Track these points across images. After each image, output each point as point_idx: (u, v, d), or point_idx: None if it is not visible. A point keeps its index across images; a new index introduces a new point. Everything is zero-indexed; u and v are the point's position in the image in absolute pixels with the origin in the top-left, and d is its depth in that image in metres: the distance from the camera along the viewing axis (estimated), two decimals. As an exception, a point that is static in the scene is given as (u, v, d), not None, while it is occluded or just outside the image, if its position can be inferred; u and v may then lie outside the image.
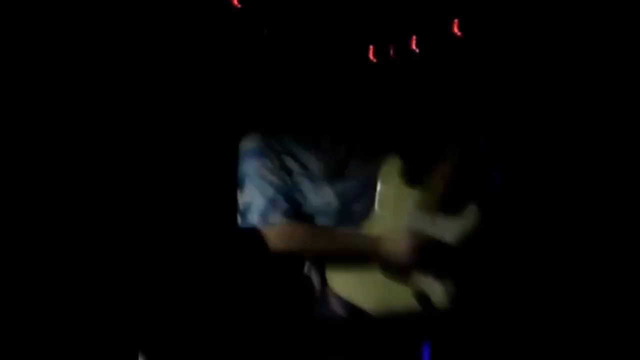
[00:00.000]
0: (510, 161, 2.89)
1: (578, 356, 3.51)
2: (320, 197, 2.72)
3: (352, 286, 2.66)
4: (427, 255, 2.63)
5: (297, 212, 2.72)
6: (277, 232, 2.71)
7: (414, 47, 3.28)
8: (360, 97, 2.83)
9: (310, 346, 2.64)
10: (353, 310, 2.63)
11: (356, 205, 2.71)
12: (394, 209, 2.69)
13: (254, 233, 2.75)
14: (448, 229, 2.66)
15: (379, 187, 2.71)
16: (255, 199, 2.73)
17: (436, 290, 2.60)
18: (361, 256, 2.66)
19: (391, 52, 3.01)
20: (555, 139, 3.53)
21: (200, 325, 3.40)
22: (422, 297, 2.60)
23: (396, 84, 2.90)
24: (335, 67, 2.79)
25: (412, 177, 2.71)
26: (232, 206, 2.82)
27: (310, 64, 2.77)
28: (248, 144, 2.78)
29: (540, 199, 3.54)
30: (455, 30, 3.35)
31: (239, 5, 3.33)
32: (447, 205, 2.69)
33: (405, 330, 2.62)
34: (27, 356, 3.33)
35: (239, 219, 2.78)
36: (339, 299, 2.66)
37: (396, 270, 2.64)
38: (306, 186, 2.74)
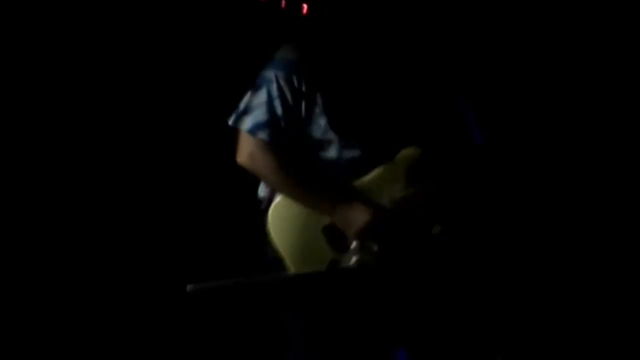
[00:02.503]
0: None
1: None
2: (325, 137, 2.65)
3: (283, 234, 2.64)
4: (372, 239, 2.62)
5: (289, 140, 2.64)
6: (251, 148, 2.63)
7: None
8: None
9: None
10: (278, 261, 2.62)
11: (352, 163, 2.66)
12: (381, 189, 2.66)
13: (234, 135, 2.67)
14: (410, 230, 2.67)
15: (385, 165, 2.66)
16: (260, 108, 2.63)
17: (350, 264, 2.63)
18: (315, 209, 2.63)
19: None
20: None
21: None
22: (334, 265, 2.62)
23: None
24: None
25: (415, 176, 2.68)
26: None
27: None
28: (286, 54, 2.66)
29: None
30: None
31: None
32: (422, 214, 2.68)
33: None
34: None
35: (233, 117, 2.68)
36: (272, 247, 2.65)
37: (336, 233, 2.63)
38: (315, 126, 2.64)
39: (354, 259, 2.62)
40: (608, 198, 3.57)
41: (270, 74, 2.64)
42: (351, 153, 2.67)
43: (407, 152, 2.67)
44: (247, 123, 2.64)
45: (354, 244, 2.63)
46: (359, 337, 2.65)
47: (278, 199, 2.67)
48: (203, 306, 2.29)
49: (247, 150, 2.65)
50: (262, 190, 2.75)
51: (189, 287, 2.28)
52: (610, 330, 3.52)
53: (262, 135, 2.62)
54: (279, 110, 2.62)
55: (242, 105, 2.68)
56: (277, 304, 2.65)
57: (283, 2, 3.40)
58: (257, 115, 2.63)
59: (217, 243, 3.50)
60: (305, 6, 3.26)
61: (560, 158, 3.55)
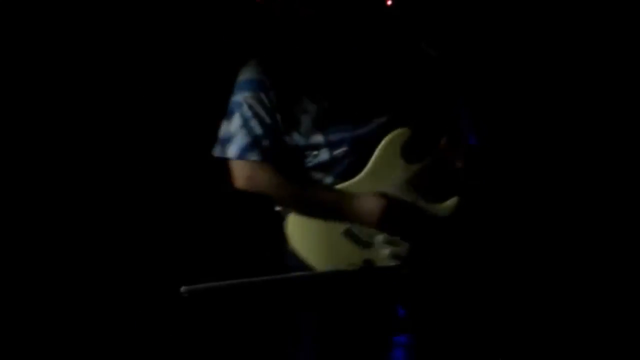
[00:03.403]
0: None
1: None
2: (310, 143, 2.66)
3: (306, 244, 2.65)
4: (394, 225, 2.63)
5: (278, 155, 2.65)
6: (247, 172, 2.64)
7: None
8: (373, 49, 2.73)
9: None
10: (304, 269, 2.61)
11: (345, 160, 2.67)
12: (383, 177, 2.66)
13: (225, 165, 2.68)
14: (425, 211, 2.67)
15: (377, 152, 2.66)
16: (240, 133, 2.65)
17: (384, 260, 2.63)
18: (328, 211, 2.64)
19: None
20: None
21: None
22: (369, 265, 2.61)
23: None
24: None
25: (413, 154, 2.67)
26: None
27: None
28: (248, 75, 2.69)
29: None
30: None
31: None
32: (432, 192, 2.68)
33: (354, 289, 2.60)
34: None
35: (217, 148, 2.71)
36: (293, 254, 2.65)
37: (358, 231, 2.63)
38: (298, 130, 2.66)
39: (386, 252, 2.62)
40: (604, 199, 3.56)
41: (238, 97, 2.68)
42: (341, 150, 2.67)
43: (394, 134, 2.67)
44: (233, 150, 2.67)
45: (378, 237, 2.62)
46: (366, 333, 2.66)
47: (292, 213, 2.68)
48: (197, 307, 2.28)
49: (243, 175, 2.67)
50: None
51: (183, 289, 2.27)
52: (610, 330, 3.51)
53: (252, 156, 2.65)
54: (257, 130, 2.65)
55: (221, 135, 2.71)
56: (272, 305, 2.65)
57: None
58: (239, 140, 2.66)
59: (226, 245, 3.48)
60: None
61: (556, 158, 3.55)
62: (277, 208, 2.73)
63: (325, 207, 2.65)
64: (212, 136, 2.81)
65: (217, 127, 2.80)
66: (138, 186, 3.45)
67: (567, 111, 3.54)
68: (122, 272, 3.40)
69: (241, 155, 2.65)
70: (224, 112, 2.77)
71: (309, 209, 2.66)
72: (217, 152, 2.71)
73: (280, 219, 2.72)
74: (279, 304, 2.66)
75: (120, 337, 3.38)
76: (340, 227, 2.65)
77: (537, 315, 3.52)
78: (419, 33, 2.81)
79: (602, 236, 3.57)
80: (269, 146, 2.65)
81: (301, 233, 2.66)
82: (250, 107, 2.65)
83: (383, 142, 2.67)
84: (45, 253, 3.38)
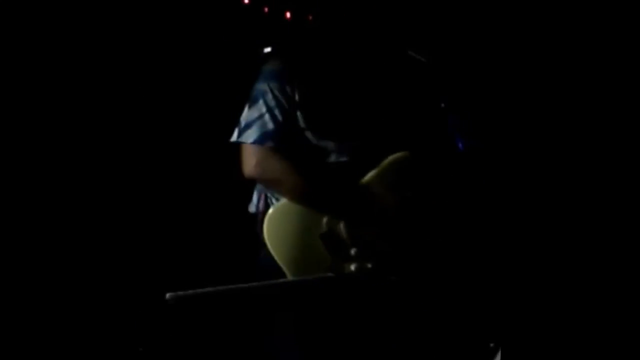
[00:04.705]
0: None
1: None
2: (319, 144, 2.67)
3: (281, 241, 2.63)
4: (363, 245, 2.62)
5: (292, 146, 2.65)
6: (260, 158, 2.64)
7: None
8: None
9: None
10: (276, 271, 2.61)
11: (345, 168, 2.67)
12: (374, 194, 2.66)
13: (239, 149, 2.69)
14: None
15: (376, 169, 2.68)
16: (261, 119, 2.65)
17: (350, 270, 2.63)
18: (329, 201, 2.64)
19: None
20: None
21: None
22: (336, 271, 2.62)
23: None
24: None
25: (400, 183, 2.69)
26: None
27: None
28: (275, 65, 2.70)
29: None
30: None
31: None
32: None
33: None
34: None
35: (234, 133, 2.70)
36: (266, 256, 2.64)
37: (339, 237, 2.63)
38: (310, 133, 2.67)
39: (353, 266, 2.61)
40: (593, 203, 3.57)
41: (263, 86, 2.68)
42: (344, 158, 2.68)
43: (394, 157, 2.69)
44: (252, 135, 2.66)
45: (353, 249, 2.62)
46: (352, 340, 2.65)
47: (272, 209, 2.67)
48: (183, 314, 2.28)
49: (255, 160, 2.65)
50: (254, 206, 2.77)
51: (168, 296, 2.27)
52: (605, 327, 3.51)
53: (269, 143, 2.64)
54: (280, 118, 2.65)
55: (242, 121, 2.70)
56: (259, 311, 2.64)
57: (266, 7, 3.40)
58: (261, 125, 2.65)
59: (204, 252, 3.49)
60: (288, 12, 3.25)
61: (545, 162, 3.56)
62: (252, 210, 2.75)
63: (326, 206, 2.64)
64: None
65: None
66: (122, 195, 3.45)
67: (557, 115, 3.55)
68: (108, 279, 3.40)
69: (258, 141, 2.65)
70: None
71: (310, 198, 2.65)
72: (235, 137, 2.70)
73: (254, 222, 2.72)
74: (264, 310, 2.65)
75: (107, 344, 3.37)
76: (321, 228, 2.64)
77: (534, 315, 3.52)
78: (406, 39, 2.81)
79: (596, 236, 3.58)
80: (286, 136, 2.65)
81: (279, 229, 2.64)
82: (275, 96, 2.66)
83: (384, 161, 2.69)
84: (34, 260, 3.38)
